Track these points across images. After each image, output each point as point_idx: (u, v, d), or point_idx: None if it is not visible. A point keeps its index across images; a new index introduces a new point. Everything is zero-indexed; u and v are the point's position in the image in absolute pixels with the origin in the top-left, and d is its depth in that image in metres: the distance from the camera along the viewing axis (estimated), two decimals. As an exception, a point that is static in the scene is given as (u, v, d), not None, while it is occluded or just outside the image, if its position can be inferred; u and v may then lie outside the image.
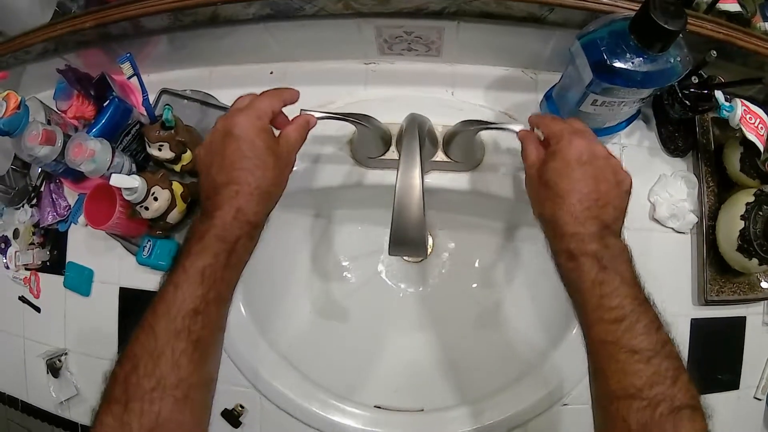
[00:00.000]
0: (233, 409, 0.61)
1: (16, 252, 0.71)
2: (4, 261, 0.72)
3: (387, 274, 0.69)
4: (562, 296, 0.59)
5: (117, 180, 0.57)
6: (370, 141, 0.56)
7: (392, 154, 0.58)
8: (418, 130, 0.49)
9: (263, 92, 0.46)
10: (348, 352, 0.65)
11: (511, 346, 0.63)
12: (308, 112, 0.48)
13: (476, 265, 0.68)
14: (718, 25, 0.54)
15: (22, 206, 0.71)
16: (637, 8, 0.44)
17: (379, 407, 0.60)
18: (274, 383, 0.60)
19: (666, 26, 0.42)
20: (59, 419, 0.69)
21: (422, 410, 0.60)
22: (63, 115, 0.67)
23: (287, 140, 0.45)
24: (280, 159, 0.43)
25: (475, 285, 0.67)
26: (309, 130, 0.48)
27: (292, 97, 0.48)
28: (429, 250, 0.68)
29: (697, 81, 0.58)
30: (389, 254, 0.48)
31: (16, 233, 0.71)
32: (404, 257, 0.69)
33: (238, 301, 0.61)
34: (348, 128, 0.59)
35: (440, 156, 0.58)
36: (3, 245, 0.73)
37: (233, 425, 0.61)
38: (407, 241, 0.46)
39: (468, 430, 0.58)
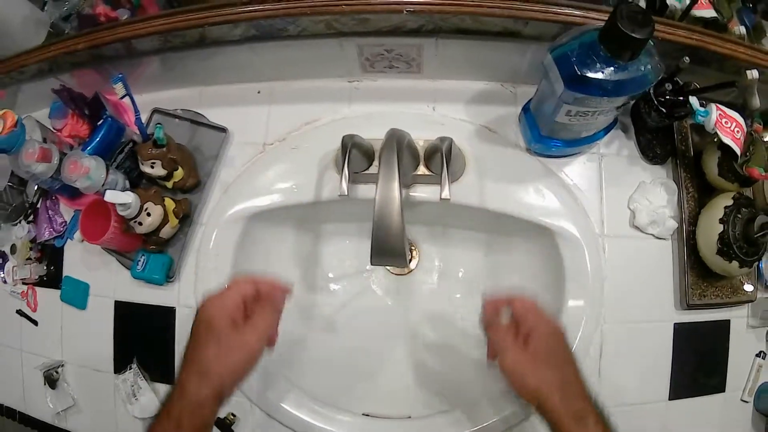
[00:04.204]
0: (225, 417, 0.62)
1: (13, 267, 0.72)
2: (2, 276, 0.74)
3: (374, 287, 0.71)
4: (548, 300, 0.62)
5: (111, 196, 0.59)
6: (355, 156, 0.57)
7: (375, 169, 0.59)
8: (396, 143, 0.50)
9: (240, 278, 0.49)
10: (336, 362, 0.66)
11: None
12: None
13: (460, 275, 0.69)
14: (690, 32, 0.55)
15: (19, 222, 0.73)
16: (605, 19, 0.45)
17: (367, 415, 0.61)
18: (265, 392, 0.61)
19: (633, 35, 0.43)
20: (56, 429, 0.71)
21: (409, 417, 0.61)
22: (58, 133, 0.69)
23: (254, 328, 0.46)
24: (235, 342, 0.45)
25: (458, 295, 0.69)
26: (281, 309, 0.51)
27: (267, 287, 0.50)
28: (413, 262, 0.70)
29: (671, 88, 0.60)
30: (371, 264, 0.50)
31: (13, 248, 0.73)
32: (389, 269, 0.70)
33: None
34: (335, 143, 0.61)
35: (422, 170, 0.60)
36: (0, 260, 0.75)
37: (226, 433, 0.63)
38: (388, 251, 0.47)
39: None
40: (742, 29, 0.61)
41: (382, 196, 0.47)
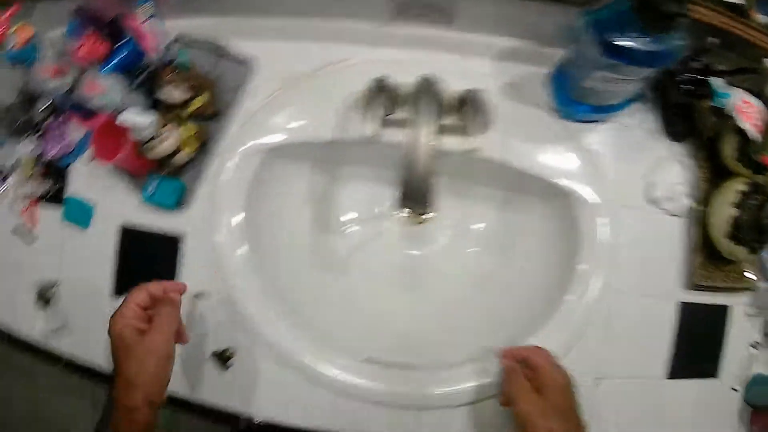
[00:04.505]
0: (223, 351, 0.62)
1: (14, 182, 0.70)
2: (2, 190, 0.72)
3: (387, 233, 0.70)
4: (558, 268, 0.62)
5: (128, 117, 0.58)
6: (383, 99, 0.57)
7: (402, 114, 0.59)
8: (430, 88, 0.50)
9: (133, 290, 0.53)
10: (343, 306, 0.66)
11: (504, 311, 0.64)
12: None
13: (476, 230, 0.69)
14: (718, 14, 0.56)
15: (25, 138, 0.71)
16: None
17: (368, 360, 0.61)
18: (266, 329, 0.61)
19: (666, 8, 0.45)
20: (43, 351, 0.69)
21: (414, 367, 0.61)
22: (74, 52, 0.67)
23: (158, 330, 0.51)
24: (144, 347, 0.50)
25: (472, 250, 0.69)
26: (178, 306, 0.55)
27: (164, 288, 0.55)
28: (432, 213, 0.69)
29: (695, 67, 0.60)
30: (397, 206, 0.50)
31: (16, 164, 0.71)
32: (407, 215, 0.70)
33: (239, 241, 0.62)
34: (361, 84, 0.60)
35: (448, 120, 0.59)
36: (2, 175, 0.72)
37: (222, 367, 0.62)
38: (416, 194, 0.48)
39: (453, 390, 0.59)
40: (760, 18, 0.62)
41: (414, 139, 0.47)
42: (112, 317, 0.51)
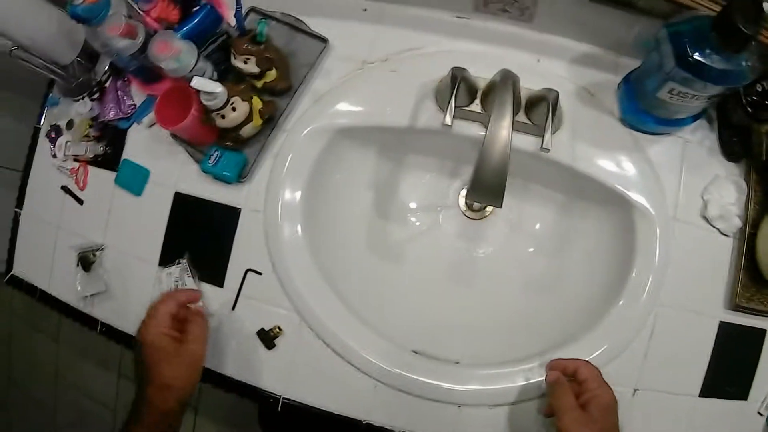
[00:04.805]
0: (271, 329, 0.61)
1: (67, 142, 0.69)
2: (52, 149, 0.71)
3: (445, 226, 0.70)
4: (610, 276, 0.63)
5: (200, 83, 0.57)
6: (461, 91, 0.57)
7: (476, 106, 0.60)
8: (511, 82, 0.51)
9: (162, 298, 0.56)
10: (395, 295, 0.66)
11: (556, 314, 0.64)
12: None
13: (535, 231, 0.69)
14: None
15: (82, 99, 0.70)
16: (719, 9, 0.49)
17: (416, 352, 0.61)
18: (317, 310, 0.61)
19: (744, 28, 0.46)
20: (79, 313, 0.68)
21: (458, 363, 0.61)
22: (145, 14, 0.66)
23: (195, 338, 0.55)
24: (183, 355, 0.54)
25: (531, 250, 0.69)
26: (207, 319, 0.59)
27: (189, 298, 0.58)
28: (489, 209, 0.70)
29: (761, 90, 0.62)
30: (467, 198, 0.50)
31: (70, 124, 0.70)
32: (465, 212, 0.70)
33: (296, 220, 0.62)
34: (437, 73, 0.61)
35: (521, 117, 0.60)
36: (54, 134, 0.71)
37: (267, 346, 0.62)
38: (488, 187, 0.48)
39: (495, 388, 0.59)
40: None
41: (493, 132, 0.47)
42: (143, 325, 0.54)
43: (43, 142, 0.74)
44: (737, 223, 0.64)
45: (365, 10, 0.65)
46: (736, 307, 0.63)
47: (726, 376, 0.64)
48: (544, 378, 0.58)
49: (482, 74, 0.59)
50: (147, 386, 0.52)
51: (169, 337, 0.54)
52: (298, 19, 0.65)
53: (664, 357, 0.61)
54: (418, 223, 0.71)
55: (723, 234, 0.64)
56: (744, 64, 0.50)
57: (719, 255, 0.64)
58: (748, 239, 0.64)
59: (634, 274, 0.60)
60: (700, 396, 0.62)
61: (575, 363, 0.55)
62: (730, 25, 0.47)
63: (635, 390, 0.61)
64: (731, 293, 0.63)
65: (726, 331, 0.63)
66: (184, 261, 0.63)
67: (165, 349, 0.53)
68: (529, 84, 0.59)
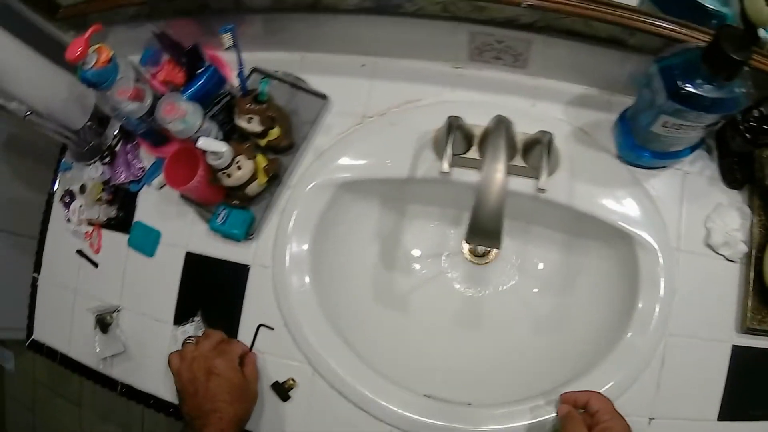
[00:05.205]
0: (284, 382, 0.62)
1: (80, 206, 0.72)
2: (67, 214, 0.73)
3: (450, 273, 0.71)
4: (616, 309, 0.63)
5: (206, 143, 0.59)
6: (456, 138, 0.58)
7: (473, 153, 0.61)
8: (504, 126, 0.52)
9: (230, 340, 0.62)
10: (404, 341, 0.67)
11: (565, 350, 0.65)
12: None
13: (539, 272, 0.70)
14: None
15: (93, 163, 0.73)
16: (709, 40, 0.49)
17: (428, 396, 0.61)
18: (329, 361, 0.61)
19: (733, 56, 0.47)
20: (99, 375, 0.70)
21: (469, 404, 0.61)
22: (151, 78, 0.68)
23: (252, 377, 0.61)
24: (249, 393, 0.59)
25: (536, 290, 0.69)
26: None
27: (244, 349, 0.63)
28: (492, 254, 0.71)
29: (758, 115, 0.63)
30: (466, 241, 0.51)
31: (83, 188, 0.72)
32: (468, 258, 0.71)
33: (304, 273, 0.63)
34: (435, 124, 0.62)
35: (517, 161, 0.61)
36: (68, 199, 0.74)
37: (282, 398, 0.63)
38: (485, 230, 0.49)
39: (509, 427, 0.59)
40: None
41: (488, 175, 0.48)
42: (221, 361, 0.57)
43: (57, 208, 0.76)
44: (743, 248, 0.64)
45: (363, 65, 0.67)
46: (748, 330, 0.63)
47: (745, 399, 0.63)
48: (555, 413, 0.58)
49: (479, 122, 0.60)
50: (206, 417, 0.53)
51: (241, 377, 0.58)
52: (299, 78, 0.67)
53: (678, 384, 0.61)
54: (423, 271, 0.71)
55: (729, 260, 0.64)
56: (737, 90, 0.51)
57: (726, 281, 0.64)
58: (755, 263, 0.64)
59: (640, 306, 0.61)
60: (719, 420, 0.62)
61: (587, 395, 0.55)
62: (720, 53, 0.47)
63: (650, 419, 0.61)
64: (742, 317, 0.63)
65: (740, 354, 0.62)
66: (198, 318, 0.65)
67: (242, 386, 0.57)
68: (526, 128, 0.61)
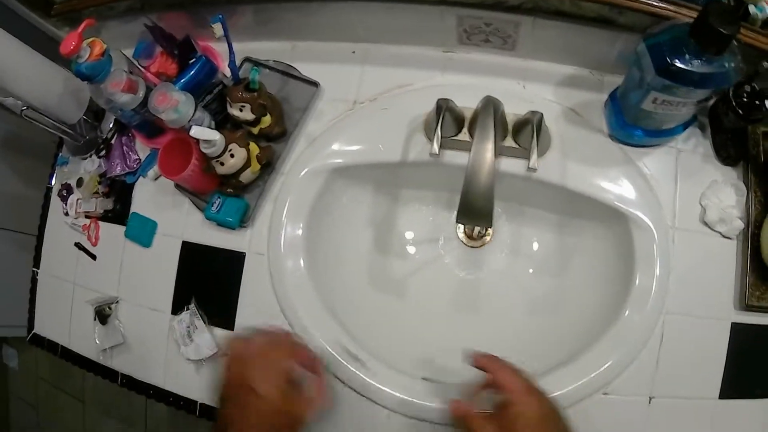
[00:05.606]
0: (282, 368, 0.62)
1: (78, 199, 0.72)
2: (64, 208, 0.74)
3: (445, 256, 0.71)
4: (613, 289, 0.63)
5: (198, 131, 0.59)
6: (447, 120, 0.59)
7: (464, 136, 0.61)
8: (493, 106, 0.52)
9: (279, 345, 0.49)
10: (401, 325, 0.67)
11: (563, 330, 0.64)
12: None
13: (534, 253, 0.70)
14: None
15: (90, 156, 0.73)
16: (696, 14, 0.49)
17: (426, 379, 0.61)
18: (325, 346, 0.61)
19: (721, 30, 0.47)
20: (100, 367, 0.70)
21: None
22: (144, 70, 0.69)
23: (307, 406, 0.48)
24: (295, 421, 0.46)
25: (527, 272, 0.69)
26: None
27: (310, 364, 0.52)
28: (488, 237, 0.71)
29: (749, 90, 0.62)
30: (457, 221, 0.51)
31: (79, 182, 0.73)
32: (463, 240, 0.71)
33: (299, 258, 0.63)
34: (426, 108, 0.62)
35: (509, 142, 0.61)
36: (65, 192, 0.75)
37: (281, 384, 0.63)
38: (475, 209, 0.49)
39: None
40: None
41: (476, 154, 0.48)
42: (258, 370, 0.47)
43: (55, 202, 0.77)
44: (739, 225, 0.64)
45: (354, 52, 0.68)
46: (747, 307, 0.62)
47: (746, 376, 0.63)
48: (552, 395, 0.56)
49: (470, 104, 0.60)
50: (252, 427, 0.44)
51: (288, 396, 0.46)
52: (290, 66, 0.68)
53: (678, 363, 0.61)
54: (418, 255, 0.72)
55: (725, 237, 0.64)
56: (727, 65, 0.51)
57: (724, 258, 0.63)
58: (752, 239, 0.64)
59: (636, 284, 0.61)
60: (720, 398, 0.61)
61: (493, 370, 0.47)
62: (707, 28, 0.47)
63: (650, 398, 0.60)
64: (741, 294, 0.63)
65: (740, 331, 0.62)
66: (192, 306, 0.65)
67: (279, 412, 0.45)
68: (517, 109, 0.61)
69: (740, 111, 0.61)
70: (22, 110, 0.69)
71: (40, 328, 0.76)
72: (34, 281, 0.77)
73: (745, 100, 0.62)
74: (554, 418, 0.43)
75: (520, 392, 0.44)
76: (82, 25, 0.62)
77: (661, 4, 0.57)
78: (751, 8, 0.63)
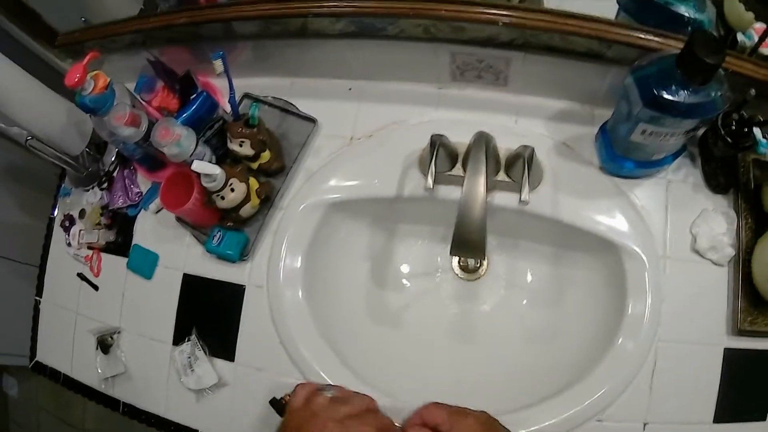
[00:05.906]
0: (282, 398, 0.63)
1: (80, 230, 0.74)
2: (67, 238, 0.75)
3: (441, 290, 0.72)
4: (606, 318, 0.64)
5: (199, 166, 0.61)
6: (441, 156, 0.60)
7: (458, 171, 0.62)
8: (486, 141, 0.54)
9: (365, 419, 0.51)
10: (398, 356, 0.68)
11: (557, 360, 0.65)
12: None
13: (528, 285, 0.71)
14: (758, 67, 0.59)
15: (92, 188, 0.75)
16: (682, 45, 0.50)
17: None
18: (324, 377, 0.62)
19: (707, 60, 0.48)
20: (101, 395, 0.71)
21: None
22: (146, 104, 0.71)
23: None
24: None
25: (522, 303, 0.70)
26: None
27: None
28: (482, 269, 0.72)
29: (737, 119, 0.63)
30: (450, 254, 0.53)
31: (82, 213, 0.75)
32: (458, 274, 0.72)
33: (297, 290, 0.65)
34: (420, 143, 0.64)
35: (501, 176, 0.62)
36: (68, 223, 0.76)
37: (280, 414, 0.63)
38: (469, 241, 0.50)
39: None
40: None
41: (469, 188, 0.50)
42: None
43: (57, 232, 0.78)
44: (730, 252, 0.65)
45: (350, 89, 0.69)
46: (740, 332, 0.63)
47: (740, 400, 0.63)
48: (547, 423, 0.58)
49: (463, 140, 0.61)
50: None
51: None
52: (288, 102, 0.70)
53: (671, 389, 0.62)
54: (415, 288, 0.73)
55: (716, 264, 0.65)
56: (713, 94, 0.52)
57: (715, 285, 0.64)
58: (743, 265, 0.65)
59: (629, 313, 0.61)
60: (715, 422, 0.62)
61: (418, 415, 0.52)
62: (693, 58, 0.48)
63: (645, 424, 0.61)
64: (733, 319, 0.63)
65: (733, 356, 0.63)
66: (193, 336, 0.66)
67: None
68: (509, 144, 0.62)
69: (729, 139, 0.63)
70: (27, 140, 0.70)
71: (42, 356, 0.77)
72: (36, 310, 0.78)
73: (733, 128, 0.63)
74: (494, 424, 0.48)
75: (446, 418, 0.49)
76: (87, 58, 0.63)
77: (649, 37, 0.58)
78: (740, 36, 0.64)
